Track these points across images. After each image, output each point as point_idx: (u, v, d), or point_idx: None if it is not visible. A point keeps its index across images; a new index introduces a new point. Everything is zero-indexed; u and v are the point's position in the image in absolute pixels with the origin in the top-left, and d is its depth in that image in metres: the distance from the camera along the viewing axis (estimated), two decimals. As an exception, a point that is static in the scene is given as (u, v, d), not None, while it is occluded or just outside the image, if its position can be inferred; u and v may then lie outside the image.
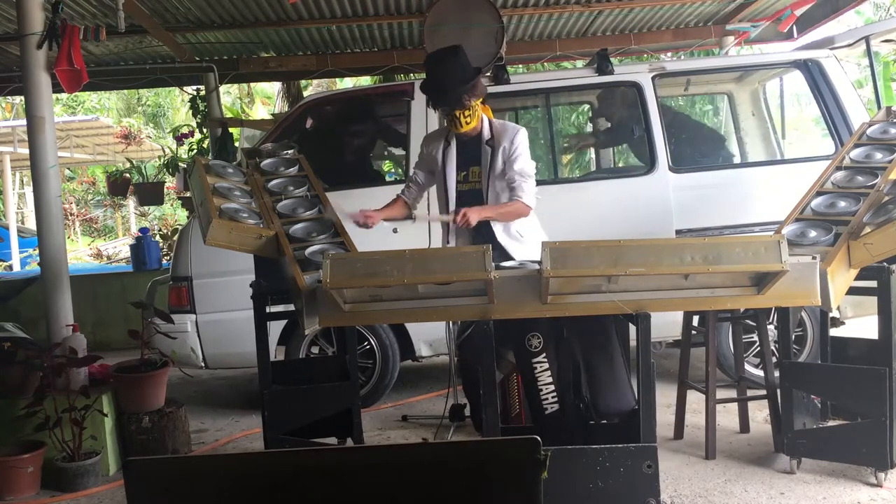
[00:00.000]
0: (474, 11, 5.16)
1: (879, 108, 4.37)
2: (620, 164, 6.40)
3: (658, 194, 4.80)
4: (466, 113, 3.57)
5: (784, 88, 5.76)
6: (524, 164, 3.63)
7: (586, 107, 6.18)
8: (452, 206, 3.69)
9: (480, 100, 3.63)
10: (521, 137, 3.66)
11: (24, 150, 8.63)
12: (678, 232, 4.72)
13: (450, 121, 3.63)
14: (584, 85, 5.32)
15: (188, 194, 5.33)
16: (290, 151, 4.04)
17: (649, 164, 4.86)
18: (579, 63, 8.45)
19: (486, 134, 3.68)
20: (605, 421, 3.39)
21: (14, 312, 6.02)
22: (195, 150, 7.66)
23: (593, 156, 6.05)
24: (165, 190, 10.11)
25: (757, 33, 7.16)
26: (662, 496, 3.15)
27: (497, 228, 3.64)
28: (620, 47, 7.31)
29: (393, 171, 6.88)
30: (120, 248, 15.39)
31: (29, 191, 16.24)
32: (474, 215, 3.49)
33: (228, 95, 15.39)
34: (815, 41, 5.48)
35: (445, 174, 3.71)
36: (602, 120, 6.08)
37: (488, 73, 4.99)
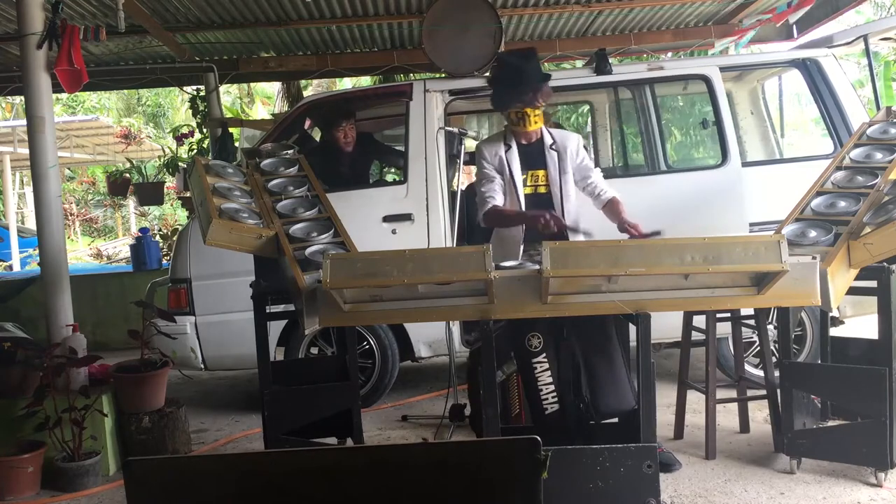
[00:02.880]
0: (473, 12, 5.16)
1: (879, 107, 4.37)
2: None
3: (730, 187, 4.75)
4: (536, 112, 3.66)
5: (783, 87, 5.76)
6: (594, 167, 3.85)
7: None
8: (523, 206, 3.72)
9: (544, 105, 3.72)
10: (583, 143, 3.86)
11: (24, 150, 8.62)
12: (752, 225, 4.66)
13: (518, 120, 3.67)
14: (654, 78, 5.28)
15: (188, 194, 5.33)
16: (289, 151, 4.04)
17: (721, 157, 4.83)
18: (579, 63, 8.45)
19: (548, 139, 3.75)
20: (605, 421, 3.39)
21: (14, 312, 6.02)
22: (195, 150, 7.66)
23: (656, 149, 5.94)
24: (165, 190, 10.11)
25: (756, 33, 7.16)
26: (662, 496, 3.15)
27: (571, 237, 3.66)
28: (620, 47, 7.31)
29: (393, 171, 6.88)
30: (120, 248, 15.39)
31: (29, 191, 16.24)
32: (628, 218, 3.66)
33: (228, 95, 15.40)
34: (814, 40, 5.47)
35: (514, 177, 3.73)
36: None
37: (486, 74, 4.98)
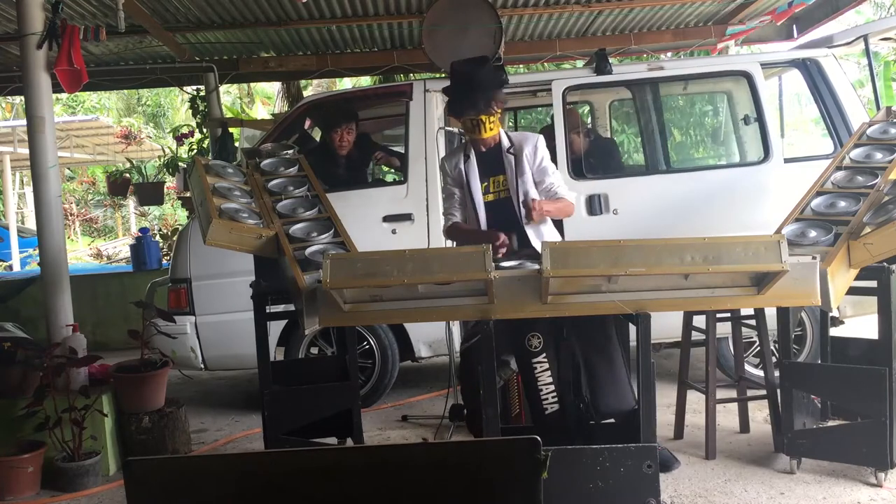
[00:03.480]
0: (473, 12, 5.16)
1: (879, 107, 4.37)
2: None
3: (773, 184, 4.73)
4: (491, 119, 3.61)
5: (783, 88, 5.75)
6: (553, 169, 3.75)
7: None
8: (483, 218, 3.70)
9: (500, 111, 3.67)
10: (543, 143, 3.75)
11: (24, 150, 8.62)
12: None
13: (473, 127, 3.64)
14: (695, 74, 5.28)
15: (188, 194, 5.33)
16: (289, 151, 4.04)
17: (764, 154, 4.82)
18: (579, 63, 8.45)
19: (506, 143, 3.72)
20: (605, 421, 3.39)
21: (14, 312, 6.02)
22: (195, 150, 7.66)
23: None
24: (165, 190, 10.11)
25: (757, 33, 7.16)
26: (662, 496, 3.15)
27: (531, 235, 3.65)
28: (620, 47, 7.31)
29: (393, 171, 6.89)
30: (120, 248, 15.38)
31: (29, 191, 16.24)
32: (545, 206, 3.60)
33: (228, 95, 15.40)
34: (814, 40, 5.47)
35: (471, 188, 3.72)
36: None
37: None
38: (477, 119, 3.59)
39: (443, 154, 4.83)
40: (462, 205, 3.79)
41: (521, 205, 3.66)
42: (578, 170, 4.95)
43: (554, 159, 3.93)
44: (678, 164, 5.65)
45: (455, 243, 3.89)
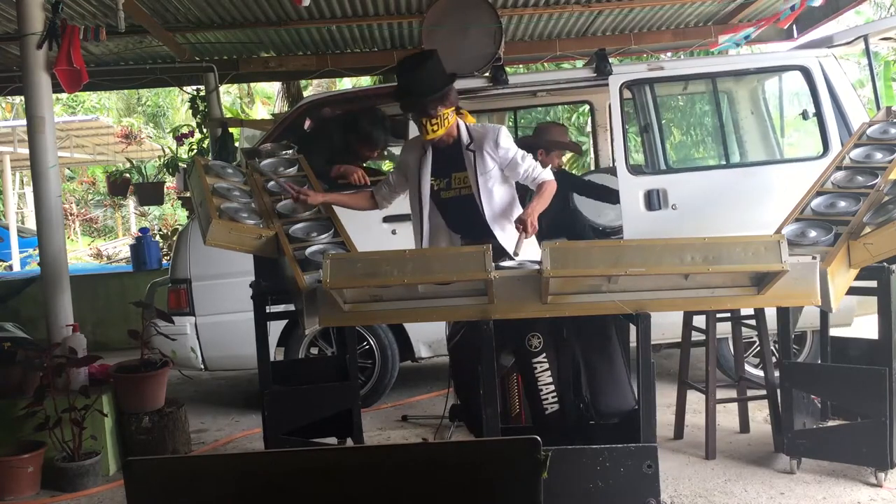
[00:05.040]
0: (472, 12, 5.16)
1: (879, 107, 4.36)
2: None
3: None
4: (433, 121, 3.52)
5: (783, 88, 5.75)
6: (521, 154, 3.63)
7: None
8: (426, 212, 3.66)
9: (452, 108, 3.58)
10: (505, 134, 3.65)
11: (24, 150, 8.61)
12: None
13: (420, 129, 3.61)
14: (751, 69, 5.26)
15: (188, 194, 5.33)
16: (289, 151, 4.04)
17: (823, 149, 4.78)
18: (579, 63, 8.45)
19: (466, 139, 3.64)
20: (605, 421, 3.39)
21: (14, 312, 6.02)
22: (195, 150, 7.66)
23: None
24: (165, 190, 10.11)
25: (757, 33, 7.16)
26: (662, 496, 3.15)
27: (496, 230, 3.62)
28: (620, 47, 7.31)
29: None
30: (120, 248, 15.37)
31: (29, 191, 16.24)
32: (534, 216, 3.51)
33: (228, 95, 15.39)
34: (814, 40, 5.47)
35: (420, 181, 3.68)
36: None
37: (486, 74, 4.98)
38: (419, 120, 3.57)
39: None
40: (392, 191, 3.83)
41: (481, 202, 3.60)
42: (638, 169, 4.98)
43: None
44: (736, 159, 5.63)
45: (429, 223, 3.78)
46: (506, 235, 3.61)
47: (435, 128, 3.54)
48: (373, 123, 5.01)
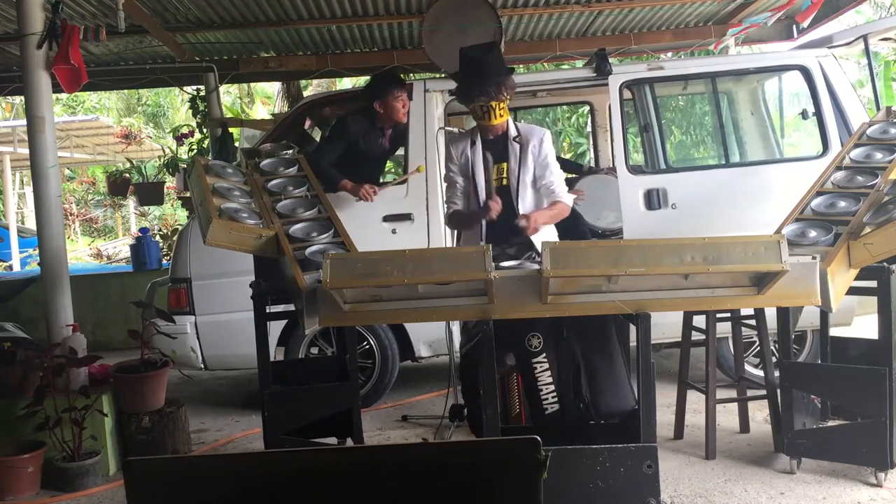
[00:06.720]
0: (472, 12, 5.16)
1: (879, 107, 4.36)
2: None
3: None
4: (501, 105, 3.61)
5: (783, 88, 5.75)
6: (556, 167, 3.74)
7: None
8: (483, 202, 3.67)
9: (510, 97, 3.67)
10: (549, 140, 3.75)
11: (24, 150, 8.63)
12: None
13: (483, 114, 3.63)
14: (750, 69, 5.26)
15: (188, 194, 5.32)
16: (289, 151, 4.04)
17: (822, 148, 4.79)
18: (579, 63, 8.46)
19: (513, 132, 3.71)
20: (605, 421, 3.39)
21: (14, 312, 6.02)
22: (195, 150, 7.66)
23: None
24: (165, 190, 10.11)
25: (757, 32, 7.16)
26: (662, 496, 3.15)
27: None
28: (620, 47, 7.31)
29: (393, 170, 6.89)
30: (120, 248, 15.38)
31: (29, 191, 16.24)
32: (538, 220, 3.57)
33: (228, 95, 15.38)
34: (814, 40, 5.47)
35: (475, 174, 3.72)
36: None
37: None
38: (487, 105, 3.60)
39: (443, 154, 4.83)
40: (465, 194, 3.78)
41: (517, 194, 3.65)
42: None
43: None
44: (736, 158, 5.64)
45: (455, 231, 3.87)
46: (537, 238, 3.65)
47: (502, 112, 3.62)
48: (379, 78, 4.96)
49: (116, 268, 11.33)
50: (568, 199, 3.75)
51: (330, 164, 4.65)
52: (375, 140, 4.85)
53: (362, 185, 4.61)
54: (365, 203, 4.69)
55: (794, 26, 7.12)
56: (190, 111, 7.75)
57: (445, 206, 3.88)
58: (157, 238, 9.96)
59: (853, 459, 3.46)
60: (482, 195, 3.68)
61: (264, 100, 16.32)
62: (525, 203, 3.68)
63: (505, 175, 3.71)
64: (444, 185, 3.90)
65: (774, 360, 3.98)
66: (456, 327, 4.71)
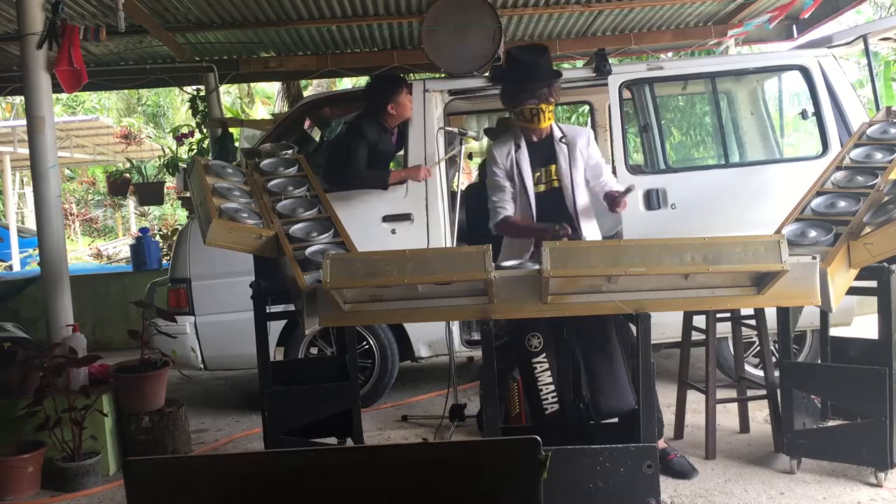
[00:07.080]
0: (472, 12, 5.15)
1: (879, 107, 4.36)
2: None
3: None
4: (549, 108, 3.62)
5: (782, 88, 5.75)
6: (606, 165, 3.80)
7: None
8: (534, 208, 3.67)
9: (556, 101, 3.69)
10: (593, 139, 3.81)
11: (24, 150, 8.61)
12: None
13: (532, 117, 3.62)
14: (750, 69, 5.26)
15: (188, 194, 5.32)
16: (289, 152, 4.04)
17: (822, 148, 4.78)
18: (579, 63, 8.46)
19: (558, 133, 3.72)
20: (605, 421, 3.39)
21: (14, 312, 6.02)
22: (195, 150, 7.66)
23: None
24: (165, 190, 10.11)
25: (757, 32, 7.16)
26: (662, 496, 3.15)
27: (583, 226, 3.68)
28: (620, 47, 7.31)
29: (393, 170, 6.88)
30: (120, 248, 15.37)
31: (29, 191, 16.24)
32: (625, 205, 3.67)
33: (228, 95, 15.38)
34: (814, 40, 5.47)
35: (524, 177, 3.70)
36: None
37: (486, 74, 4.98)
38: (537, 108, 3.60)
39: (443, 154, 4.83)
40: (513, 198, 3.74)
41: (573, 195, 3.66)
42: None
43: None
44: (735, 158, 5.64)
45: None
46: (590, 229, 3.68)
47: (550, 115, 3.64)
48: (387, 80, 4.98)
49: (116, 268, 11.33)
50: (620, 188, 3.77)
51: (366, 169, 4.70)
52: (388, 140, 4.88)
53: (417, 167, 4.69)
54: (365, 203, 4.69)
55: (795, 26, 7.12)
56: (190, 111, 7.75)
57: (492, 212, 3.79)
58: (157, 238, 9.96)
59: (853, 459, 3.46)
60: (532, 200, 3.67)
61: (264, 100, 16.32)
62: (579, 202, 3.68)
63: (555, 177, 3.70)
64: (489, 190, 3.81)
65: (774, 360, 3.98)
66: (456, 327, 4.71)
